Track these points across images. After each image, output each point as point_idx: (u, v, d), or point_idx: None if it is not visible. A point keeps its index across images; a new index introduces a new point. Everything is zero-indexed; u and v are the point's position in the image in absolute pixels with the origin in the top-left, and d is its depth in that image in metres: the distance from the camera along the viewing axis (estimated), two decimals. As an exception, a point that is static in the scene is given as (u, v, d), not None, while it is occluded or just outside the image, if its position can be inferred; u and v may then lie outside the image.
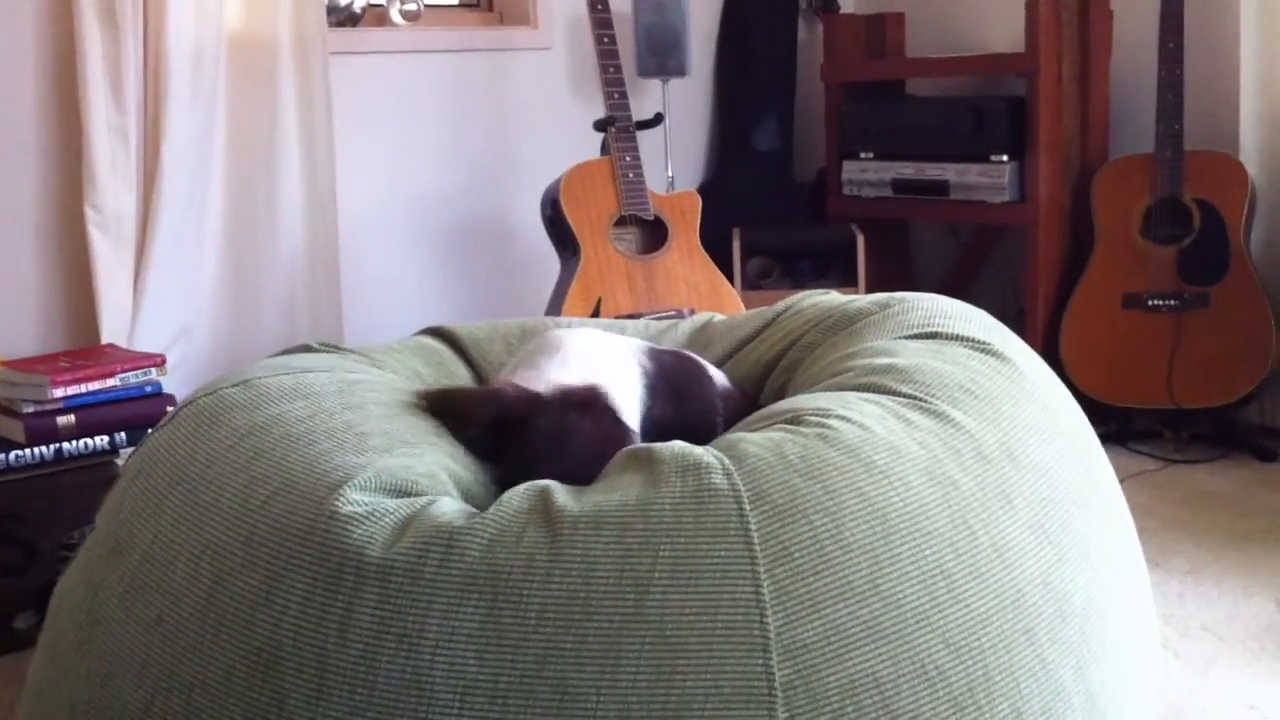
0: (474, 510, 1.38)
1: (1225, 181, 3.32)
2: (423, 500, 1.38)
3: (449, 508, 1.37)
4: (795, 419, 1.50)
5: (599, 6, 3.41)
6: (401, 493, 1.41)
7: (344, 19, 3.62)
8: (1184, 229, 3.36)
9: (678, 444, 1.41)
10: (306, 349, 1.95)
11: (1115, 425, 3.45)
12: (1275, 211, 3.37)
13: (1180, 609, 2.41)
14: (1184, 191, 3.35)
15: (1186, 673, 2.16)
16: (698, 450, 1.39)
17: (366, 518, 1.34)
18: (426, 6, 3.77)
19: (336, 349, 1.96)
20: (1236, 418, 3.44)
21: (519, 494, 1.38)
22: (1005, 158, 3.55)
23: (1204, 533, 2.80)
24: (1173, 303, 3.35)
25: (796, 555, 1.30)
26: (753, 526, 1.31)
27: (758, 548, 1.30)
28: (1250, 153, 3.37)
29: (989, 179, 3.57)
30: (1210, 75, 3.45)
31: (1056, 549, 1.46)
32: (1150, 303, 3.38)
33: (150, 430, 1.72)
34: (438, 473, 1.48)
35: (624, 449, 1.47)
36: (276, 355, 1.91)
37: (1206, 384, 3.32)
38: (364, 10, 3.67)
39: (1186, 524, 2.86)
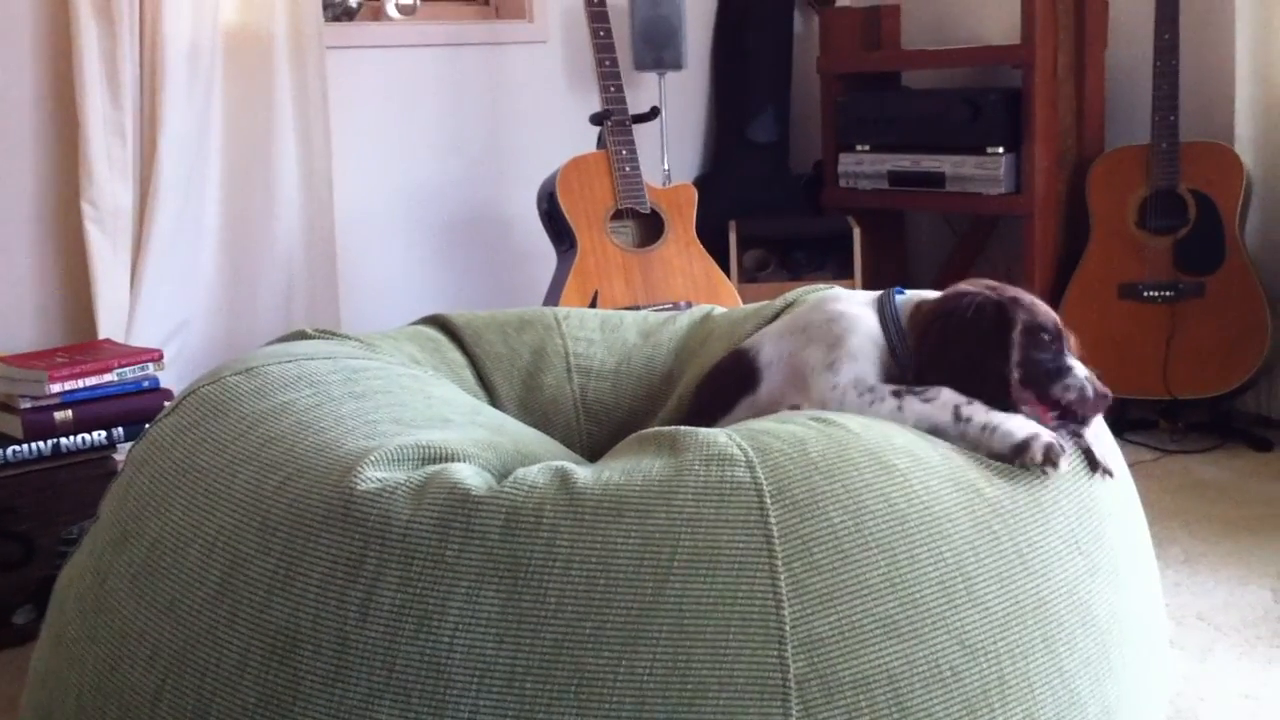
0: (491, 478, 1.38)
1: (1221, 172, 3.33)
2: (440, 465, 1.39)
3: (466, 470, 1.37)
4: (819, 415, 1.50)
5: (595, 0, 3.41)
6: (421, 460, 1.41)
7: (340, 13, 3.62)
8: (1180, 219, 3.37)
9: (703, 432, 1.41)
10: (303, 336, 1.95)
11: (1111, 415, 3.45)
12: (1270, 202, 3.37)
13: (1176, 598, 2.41)
14: (1180, 182, 3.35)
15: (1183, 662, 2.17)
16: (722, 440, 1.39)
17: (388, 491, 1.34)
18: (422, 0, 3.77)
19: (333, 335, 1.95)
20: (1232, 407, 3.44)
21: (534, 471, 1.38)
22: (1001, 149, 3.55)
23: (1200, 522, 2.81)
24: (1168, 293, 3.36)
25: (815, 550, 1.31)
26: (773, 520, 1.32)
27: (777, 542, 1.30)
28: (1246, 143, 3.37)
29: (985, 170, 3.58)
30: (1206, 66, 3.45)
31: (1088, 560, 1.47)
32: (1146, 293, 3.38)
33: (150, 422, 1.72)
34: (454, 448, 1.48)
35: (647, 430, 1.47)
36: (273, 343, 1.91)
37: (1202, 374, 3.33)
38: (360, 4, 3.67)
39: (1182, 514, 2.86)
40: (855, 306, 1.66)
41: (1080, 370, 1.57)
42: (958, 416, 1.51)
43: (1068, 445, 1.52)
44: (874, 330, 1.62)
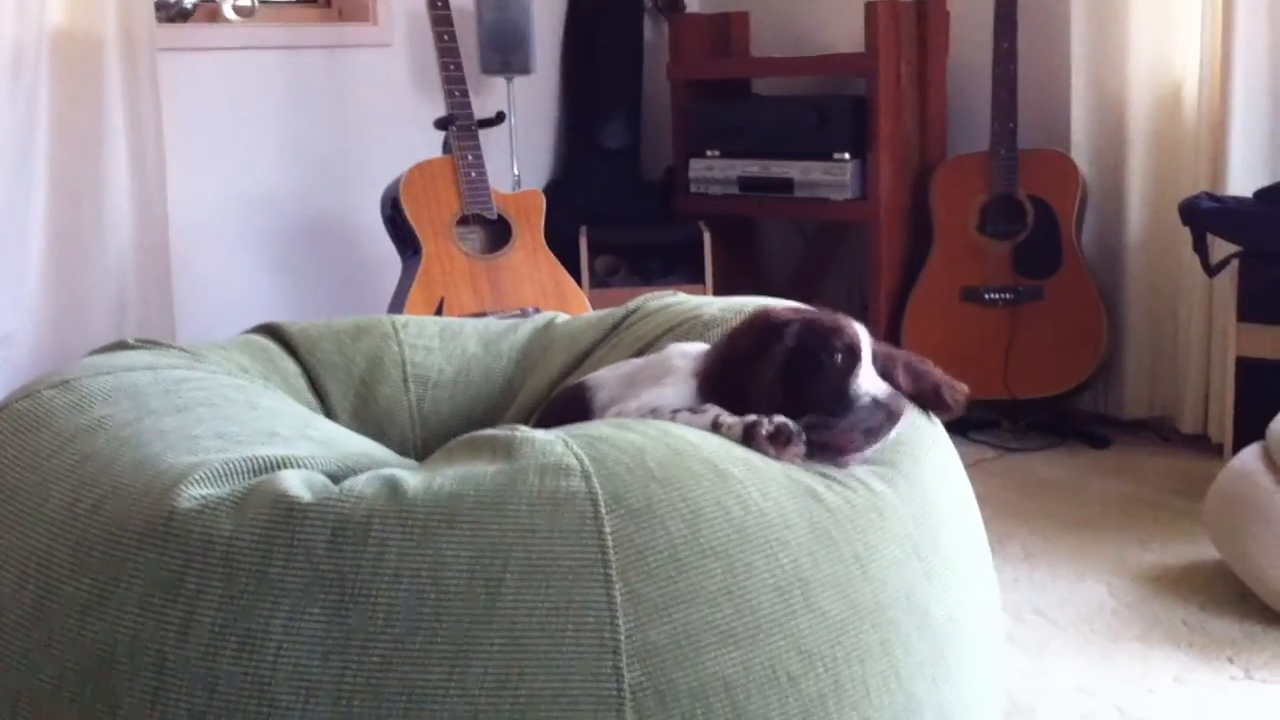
0: (320, 486, 1.33)
1: (1058, 178, 3.41)
2: (265, 476, 1.35)
3: (292, 479, 1.33)
4: (659, 425, 1.48)
5: (438, 4, 3.36)
6: (247, 474, 1.37)
7: (174, 14, 3.51)
8: (1019, 225, 3.45)
9: (540, 438, 1.38)
10: (123, 346, 1.88)
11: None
12: (1105, 207, 3.47)
13: (1015, 594, 2.46)
14: (1018, 188, 3.43)
15: (1021, 658, 2.21)
16: (558, 448, 1.36)
17: (210, 508, 1.30)
18: (261, 2, 3.68)
19: (155, 345, 1.89)
20: (1070, 407, 3.53)
21: (362, 480, 1.34)
22: (847, 156, 3.59)
23: (1039, 519, 2.87)
24: (1008, 296, 3.43)
25: (650, 559, 1.29)
26: (608, 530, 1.30)
27: (612, 551, 1.29)
28: (1082, 150, 3.46)
29: (831, 177, 3.62)
30: (1043, 74, 3.54)
31: (925, 564, 1.48)
32: (987, 296, 3.45)
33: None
34: (281, 462, 1.43)
35: (481, 433, 1.44)
36: (92, 354, 1.85)
37: (1041, 374, 3.41)
38: (195, 6, 3.57)
39: (1023, 511, 2.92)
40: (694, 351, 1.64)
41: (866, 398, 1.49)
42: (716, 425, 1.48)
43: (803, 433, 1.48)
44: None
